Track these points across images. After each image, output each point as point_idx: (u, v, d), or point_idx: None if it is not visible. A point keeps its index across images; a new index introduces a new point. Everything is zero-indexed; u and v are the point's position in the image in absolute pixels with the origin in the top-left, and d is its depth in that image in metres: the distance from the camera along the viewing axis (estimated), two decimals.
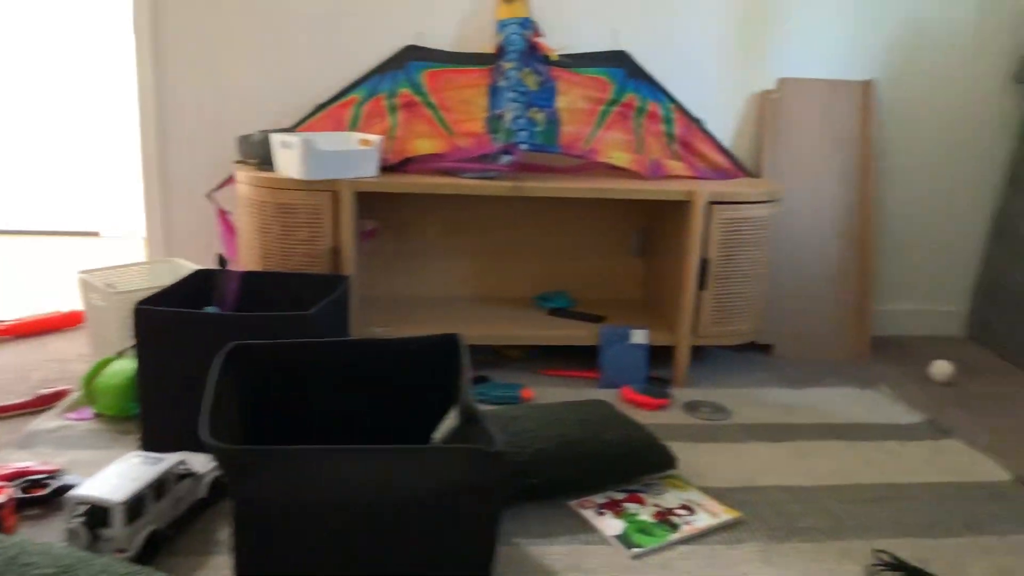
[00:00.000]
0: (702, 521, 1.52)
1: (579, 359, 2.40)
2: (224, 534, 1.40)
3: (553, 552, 1.41)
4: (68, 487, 1.47)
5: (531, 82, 2.31)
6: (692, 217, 2.12)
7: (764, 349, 2.57)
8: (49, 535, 1.36)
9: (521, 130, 2.27)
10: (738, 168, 2.48)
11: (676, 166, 2.37)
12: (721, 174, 2.42)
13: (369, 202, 2.44)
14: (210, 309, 1.93)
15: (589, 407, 1.79)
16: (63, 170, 3.47)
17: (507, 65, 2.30)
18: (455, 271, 2.57)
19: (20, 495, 1.44)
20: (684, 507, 1.57)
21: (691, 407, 2.07)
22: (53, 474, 1.50)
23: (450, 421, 1.49)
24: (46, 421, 1.80)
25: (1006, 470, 1.80)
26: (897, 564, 1.40)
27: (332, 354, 1.49)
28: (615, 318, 2.37)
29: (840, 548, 1.47)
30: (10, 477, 1.47)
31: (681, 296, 2.19)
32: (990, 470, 1.80)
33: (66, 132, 3.46)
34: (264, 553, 1.14)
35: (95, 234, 3.38)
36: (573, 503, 1.57)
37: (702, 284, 2.17)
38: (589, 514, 1.53)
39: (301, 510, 1.12)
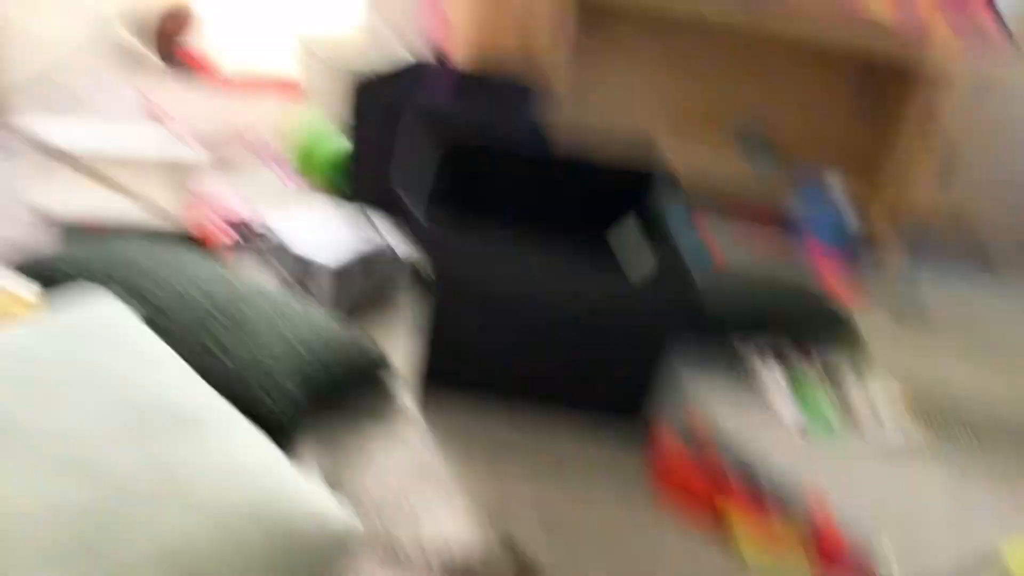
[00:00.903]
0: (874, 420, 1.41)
1: None
2: (411, 316, 1.43)
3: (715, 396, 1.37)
4: (275, 237, 1.55)
5: None
6: (941, 102, 1.84)
7: None
8: (255, 276, 1.45)
9: None
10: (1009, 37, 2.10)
11: (938, 26, 2.05)
12: (987, 41, 2.07)
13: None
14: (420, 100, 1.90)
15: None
16: None
17: None
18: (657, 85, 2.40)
19: (235, 232, 1.53)
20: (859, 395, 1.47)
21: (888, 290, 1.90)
22: (263, 222, 1.58)
23: (629, 227, 1.43)
24: (256, 171, 1.89)
25: None
26: None
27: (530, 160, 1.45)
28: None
29: None
30: (227, 215, 1.56)
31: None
32: None
33: None
34: (446, 332, 1.18)
35: None
36: (739, 344, 1.49)
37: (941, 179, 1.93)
38: (755, 361, 1.46)
39: (489, 294, 1.14)
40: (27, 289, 1.09)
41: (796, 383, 1.43)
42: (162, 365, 0.92)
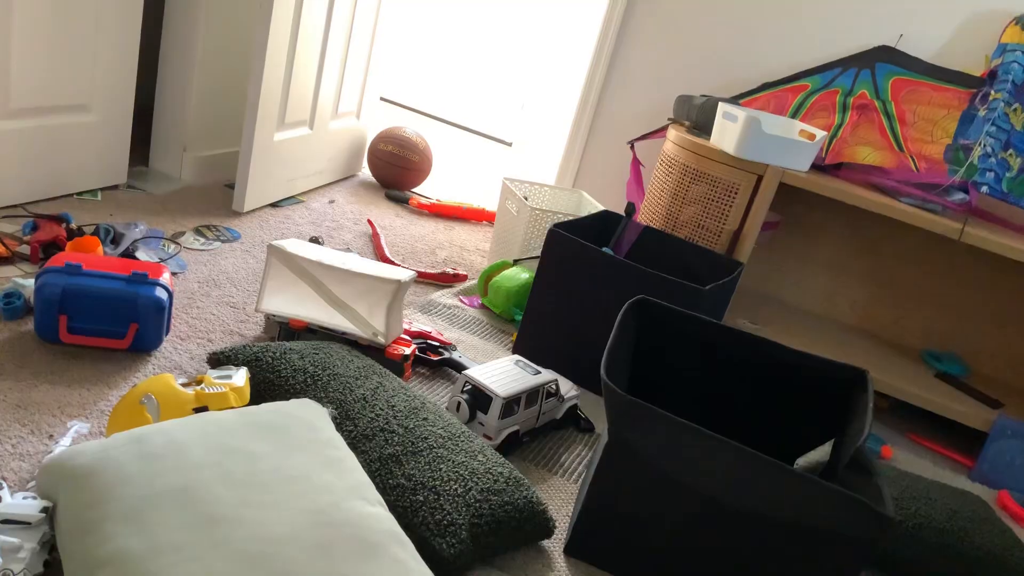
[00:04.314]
0: None
1: (951, 436, 2.12)
2: (567, 458, 1.48)
3: None
4: (454, 362, 1.65)
5: (1018, 121, 2.00)
6: None
7: None
8: (431, 396, 1.54)
9: (988, 170, 2.00)
10: None
11: None
12: None
13: (782, 194, 2.34)
14: (604, 250, 2.00)
15: (962, 499, 1.56)
16: (498, 81, 3.82)
17: (995, 95, 2.01)
18: (844, 293, 2.39)
19: (418, 353, 1.65)
20: None
21: None
22: (446, 346, 1.69)
23: (819, 454, 1.40)
24: (444, 297, 2.04)
25: None
26: None
27: (729, 339, 1.46)
28: (1014, 409, 2.03)
29: None
30: (414, 335, 1.69)
31: None
32: None
33: (516, 47, 3.77)
34: (615, 498, 1.17)
35: (508, 144, 3.70)
36: None
37: None
38: None
39: (664, 477, 1.13)
40: (243, 376, 1.22)
41: None
42: (354, 478, 0.99)
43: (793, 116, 2.21)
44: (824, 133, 1.97)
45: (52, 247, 1.62)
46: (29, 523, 0.91)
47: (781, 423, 1.48)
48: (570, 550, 1.22)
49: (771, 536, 1.10)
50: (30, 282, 1.44)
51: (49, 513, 0.92)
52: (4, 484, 0.99)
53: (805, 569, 1.10)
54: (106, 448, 0.94)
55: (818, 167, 2.14)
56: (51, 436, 1.13)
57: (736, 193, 1.98)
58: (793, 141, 1.93)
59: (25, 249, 1.60)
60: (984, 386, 2.16)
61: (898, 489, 1.51)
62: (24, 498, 0.94)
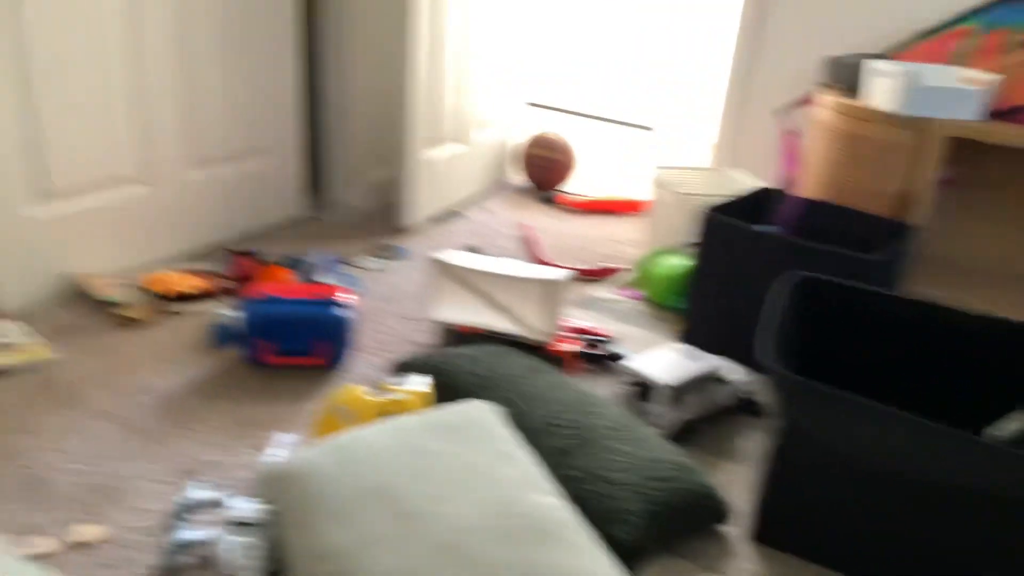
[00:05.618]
0: None
1: None
2: (739, 445, 1.47)
3: None
4: (618, 355, 1.68)
5: None
6: None
7: None
8: (597, 390, 1.58)
9: None
10: None
11: None
12: None
13: (954, 148, 2.17)
14: (765, 228, 1.96)
15: None
16: (632, 66, 3.80)
17: None
18: None
19: (581, 348, 1.70)
20: None
21: None
22: (608, 339, 1.73)
23: (1018, 423, 1.31)
24: (602, 291, 2.07)
25: None
26: None
27: (902, 308, 1.39)
28: None
29: None
30: (577, 332, 1.74)
31: None
32: None
33: (659, 33, 3.74)
34: (794, 481, 1.15)
35: (648, 128, 3.67)
36: None
37: None
38: None
39: (843, 460, 1.10)
40: (423, 383, 1.32)
41: None
42: (529, 471, 1.06)
43: (955, 63, 2.05)
44: (993, 76, 1.82)
45: (247, 280, 1.82)
46: (257, 524, 1.05)
47: (967, 392, 1.39)
48: (758, 536, 1.21)
49: (970, 510, 1.05)
50: (234, 313, 1.63)
51: (271, 515, 1.05)
52: (227, 493, 1.14)
53: (1008, 542, 1.04)
54: (313, 455, 1.06)
55: (992, 113, 1.97)
56: (264, 447, 1.28)
57: (900, 152, 1.86)
58: (956, 90, 1.80)
59: (224, 284, 1.81)
60: None
61: None
62: (247, 503, 1.08)
